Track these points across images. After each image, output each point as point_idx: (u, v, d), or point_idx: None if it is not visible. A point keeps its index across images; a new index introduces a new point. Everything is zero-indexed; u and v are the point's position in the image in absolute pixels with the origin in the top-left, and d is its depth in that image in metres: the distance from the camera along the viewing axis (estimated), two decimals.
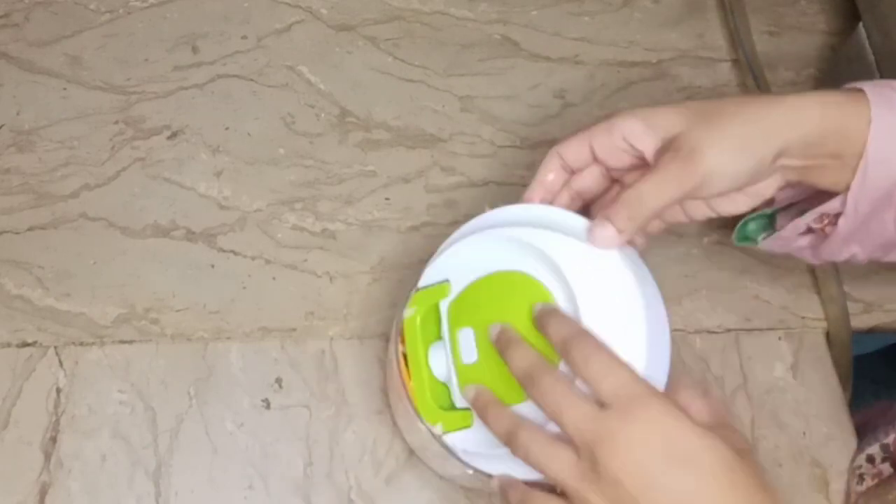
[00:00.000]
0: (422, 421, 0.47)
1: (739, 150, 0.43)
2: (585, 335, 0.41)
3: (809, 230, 0.50)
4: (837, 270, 0.63)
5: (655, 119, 0.46)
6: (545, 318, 0.43)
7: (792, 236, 0.51)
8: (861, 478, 0.57)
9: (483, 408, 0.44)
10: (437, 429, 0.46)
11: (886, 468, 0.56)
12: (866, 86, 0.46)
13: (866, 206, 0.46)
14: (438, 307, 0.48)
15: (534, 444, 0.40)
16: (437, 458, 0.49)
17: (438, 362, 0.47)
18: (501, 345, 0.43)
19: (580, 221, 0.45)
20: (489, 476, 0.45)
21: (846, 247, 0.49)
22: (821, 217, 0.48)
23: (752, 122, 0.44)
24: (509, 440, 0.41)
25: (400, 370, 0.47)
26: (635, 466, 0.37)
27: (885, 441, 0.56)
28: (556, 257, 0.43)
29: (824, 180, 0.47)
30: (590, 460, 0.38)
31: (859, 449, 0.58)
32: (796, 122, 0.44)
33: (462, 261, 0.47)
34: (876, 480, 0.56)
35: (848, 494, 0.57)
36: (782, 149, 0.44)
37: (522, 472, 0.43)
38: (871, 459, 0.57)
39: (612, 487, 0.37)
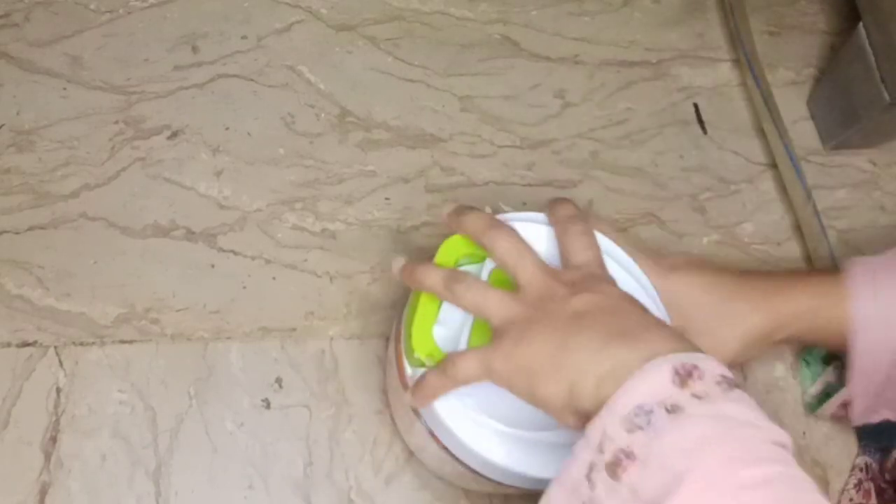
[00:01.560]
0: (411, 358, 0.46)
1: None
2: (499, 225, 0.44)
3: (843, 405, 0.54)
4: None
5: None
6: (461, 215, 0.46)
7: (830, 411, 0.57)
8: (858, 484, 0.57)
9: (411, 272, 0.45)
10: (427, 362, 0.45)
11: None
12: (852, 273, 0.50)
13: (871, 388, 0.50)
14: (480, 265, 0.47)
15: (471, 289, 0.42)
16: (435, 459, 0.49)
17: (452, 311, 0.46)
18: (412, 279, 0.45)
19: None
20: (489, 479, 0.45)
21: (874, 414, 0.52)
22: (843, 403, 0.53)
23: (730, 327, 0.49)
24: (446, 289, 0.43)
25: (400, 370, 0.47)
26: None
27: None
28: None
29: (829, 344, 0.52)
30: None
31: (862, 449, 0.59)
32: (778, 325, 0.50)
33: None
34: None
35: (844, 491, 0.57)
36: (763, 339, 0.50)
37: (530, 465, 0.43)
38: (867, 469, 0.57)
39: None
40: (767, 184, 0.70)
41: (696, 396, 0.33)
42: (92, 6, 0.70)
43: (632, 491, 0.32)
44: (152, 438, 0.55)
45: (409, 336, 0.45)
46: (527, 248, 0.43)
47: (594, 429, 0.34)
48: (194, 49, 0.69)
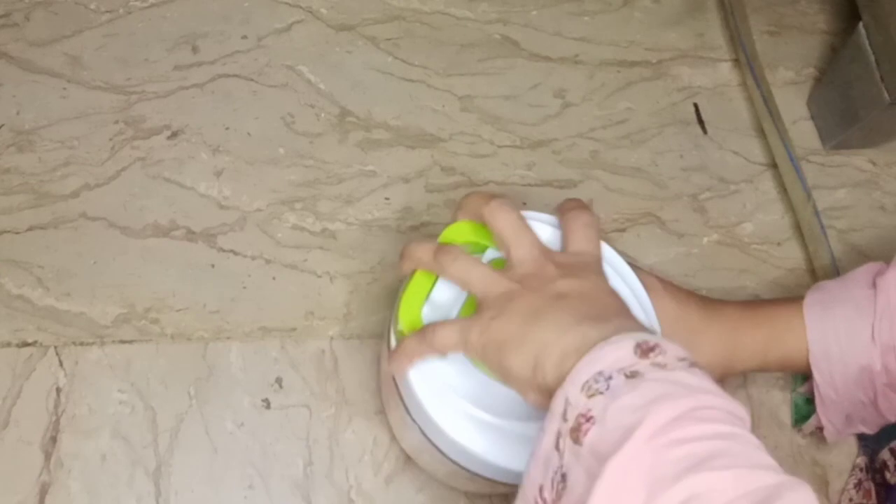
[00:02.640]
0: (396, 333, 0.46)
1: None
2: (502, 201, 0.45)
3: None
4: (837, 271, 0.63)
5: None
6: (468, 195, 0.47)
7: (809, 431, 0.59)
8: (858, 485, 0.57)
9: (405, 248, 0.45)
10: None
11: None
12: (807, 303, 0.52)
13: (839, 414, 0.52)
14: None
15: (458, 260, 0.43)
16: (428, 459, 0.49)
17: (444, 292, 0.46)
18: (405, 254, 0.45)
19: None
20: (487, 478, 0.45)
21: (850, 429, 0.54)
22: (819, 421, 0.55)
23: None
24: (434, 260, 0.44)
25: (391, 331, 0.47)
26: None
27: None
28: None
29: (795, 371, 0.55)
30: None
31: (862, 449, 0.59)
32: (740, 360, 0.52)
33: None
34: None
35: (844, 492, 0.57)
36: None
37: (521, 461, 0.43)
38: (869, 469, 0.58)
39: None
40: (767, 184, 0.70)
41: (657, 365, 0.34)
42: (92, 6, 0.70)
43: (592, 451, 0.32)
44: (152, 438, 0.55)
45: (397, 311, 0.45)
46: (525, 227, 0.44)
47: (558, 399, 0.35)
48: (194, 49, 0.69)
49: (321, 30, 0.72)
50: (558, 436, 0.34)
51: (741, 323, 0.52)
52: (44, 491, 0.53)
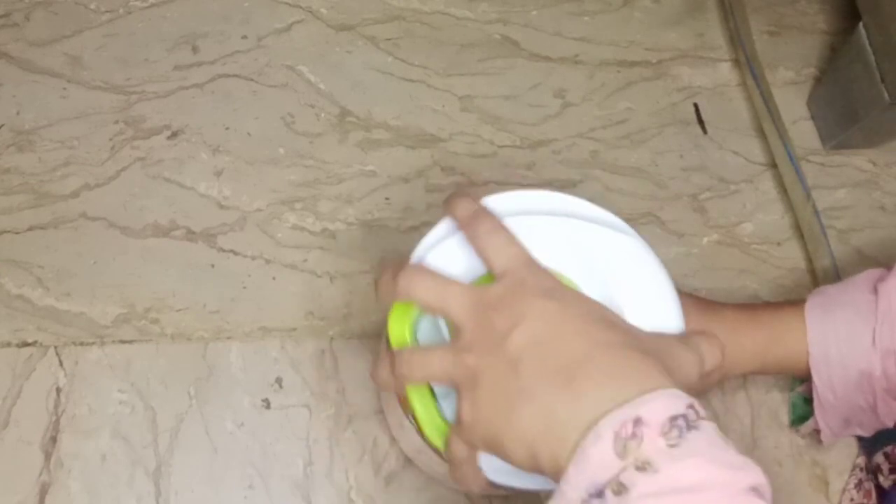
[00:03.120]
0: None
1: None
2: (491, 216, 0.43)
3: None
4: (837, 271, 0.63)
5: None
6: (455, 198, 0.44)
7: (807, 432, 0.59)
8: (859, 484, 0.57)
9: (453, 201, 0.44)
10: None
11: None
12: (808, 306, 0.51)
13: (836, 418, 0.52)
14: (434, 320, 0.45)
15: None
16: (431, 463, 0.48)
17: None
18: (448, 204, 0.44)
19: (585, 205, 0.45)
20: (497, 485, 0.45)
21: (847, 431, 0.53)
22: (816, 423, 0.54)
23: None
24: (470, 223, 0.42)
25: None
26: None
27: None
28: (579, 243, 0.43)
29: (794, 374, 0.54)
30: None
31: (862, 448, 0.58)
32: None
33: (462, 256, 0.44)
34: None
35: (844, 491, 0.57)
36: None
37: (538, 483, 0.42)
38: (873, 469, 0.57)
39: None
40: (767, 184, 0.70)
41: (640, 469, 0.31)
42: (92, 6, 0.70)
43: None
44: (152, 438, 0.55)
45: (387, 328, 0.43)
46: (444, 282, 0.40)
47: (558, 498, 0.34)
48: (194, 49, 0.69)
49: (321, 30, 0.72)
50: None
51: (741, 325, 0.51)
52: (44, 491, 0.53)
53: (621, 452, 0.32)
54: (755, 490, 0.31)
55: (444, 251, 0.44)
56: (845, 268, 0.64)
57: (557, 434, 0.34)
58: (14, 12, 0.69)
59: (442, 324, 0.43)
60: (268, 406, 0.57)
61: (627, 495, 0.31)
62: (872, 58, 0.63)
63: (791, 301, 0.53)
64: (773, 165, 0.70)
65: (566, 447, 0.34)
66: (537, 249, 0.42)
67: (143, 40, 0.69)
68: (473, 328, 0.39)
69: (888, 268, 0.51)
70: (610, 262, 0.43)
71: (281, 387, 0.57)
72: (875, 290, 0.50)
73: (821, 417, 0.52)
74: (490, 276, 0.41)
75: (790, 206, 0.68)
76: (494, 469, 0.41)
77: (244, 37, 0.70)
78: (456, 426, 0.39)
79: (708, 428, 0.33)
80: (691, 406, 0.33)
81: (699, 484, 0.31)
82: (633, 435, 0.32)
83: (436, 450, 0.44)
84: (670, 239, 0.66)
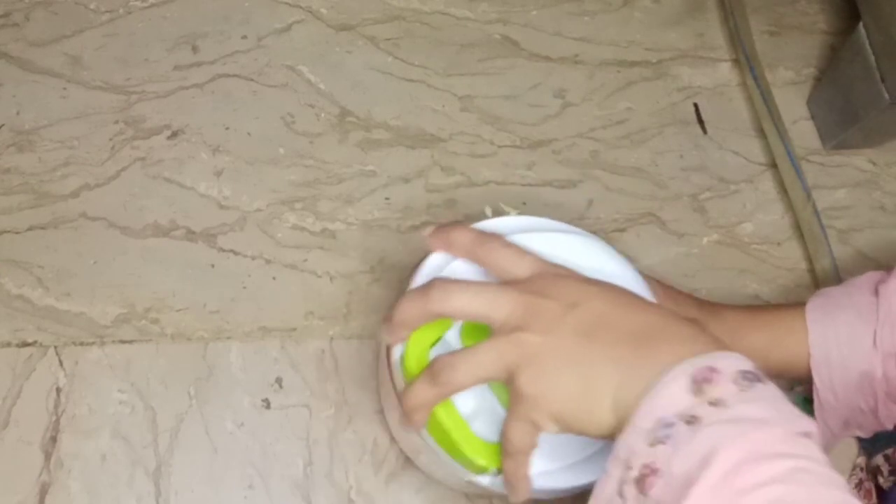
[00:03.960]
0: (475, 471, 0.43)
1: None
2: (489, 236, 0.42)
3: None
4: (837, 271, 0.63)
5: None
6: (446, 232, 0.44)
7: None
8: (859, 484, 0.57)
9: (446, 234, 0.43)
10: (493, 473, 0.43)
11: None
12: (810, 308, 0.51)
13: (836, 419, 0.51)
14: (444, 339, 0.44)
15: (508, 247, 0.41)
16: (430, 462, 0.48)
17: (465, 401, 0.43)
18: (440, 240, 0.44)
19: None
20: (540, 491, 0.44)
21: (846, 433, 0.53)
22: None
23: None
24: (478, 247, 0.42)
25: (390, 371, 0.46)
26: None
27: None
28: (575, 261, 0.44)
29: (794, 378, 0.53)
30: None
31: (862, 449, 0.58)
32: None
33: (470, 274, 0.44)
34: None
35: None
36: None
37: (551, 483, 0.42)
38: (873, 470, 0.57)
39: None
40: (767, 184, 0.70)
41: (713, 404, 0.33)
42: (92, 6, 0.70)
43: None
44: (152, 438, 0.55)
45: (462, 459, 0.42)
46: (484, 286, 0.40)
47: (621, 445, 0.34)
48: (194, 49, 0.69)
49: (321, 30, 0.72)
50: (622, 482, 0.34)
51: (741, 326, 0.51)
52: (44, 491, 0.53)
53: (695, 391, 0.34)
54: (808, 435, 0.33)
55: (453, 272, 0.44)
56: (845, 268, 0.64)
57: (635, 384, 0.35)
58: (14, 12, 0.69)
59: (457, 346, 0.43)
60: (268, 406, 0.57)
61: (698, 424, 0.33)
62: (872, 58, 0.63)
63: (792, 303, 0.53)
64: (773, 165, 0.70)
65: (636, 395, 0.35)
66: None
67: (143, 40, 0.69)
68: (524, 314, 0.38)
69: (888, 270, 0.52)
70: (579, 264, 0.44)
71: (281, 387, 0.57)
72: (876, 292, 0.50)
73: (821, 419, 0.52)
74: (475, 325, 0.41)
75: (790, 206, 0.68)
76: (540, 473, 0.41)
77: (244, 37, 0.70)
78: (514, 406, 0.38)
79: (771, 384, 0.35)
80: (757, 368, 0.35)
81: (765, 418, 0.33)
82: (708, 379, 0.34)
83: (469, 470, 0.43)
84: (670, 239, 0.66)
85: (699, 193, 0.69)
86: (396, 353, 0.44)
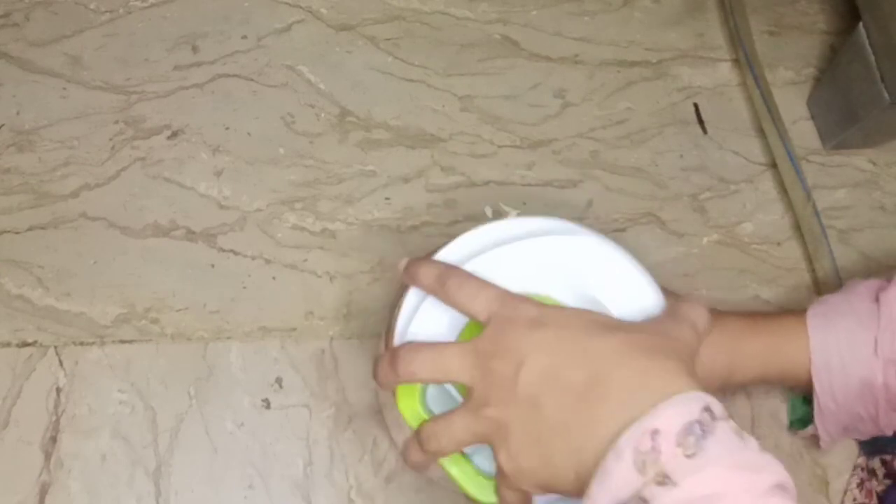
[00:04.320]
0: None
1: None
2: (454, 269, 0.42)
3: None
4: (837, 270, 0.63)
5: None
6: (413, 268, 0.43)
7: (805, 437, 0.59)
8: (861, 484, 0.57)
9: (414, 271, 0.43)
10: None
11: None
12: (810, 314, 0.51)
13: (836, 425, 0.52)
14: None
15: (464, 285, 0.41)
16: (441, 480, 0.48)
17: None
18: (409, 276, 0.44)
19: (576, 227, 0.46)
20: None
21: (846, 435, 0.53)
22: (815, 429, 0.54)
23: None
24: (439, 286, 0.42)
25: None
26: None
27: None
28: (578, 269, 0.43)
29: (794, 385, 0.53)
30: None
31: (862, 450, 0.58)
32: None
33: (441, 314, 0.44)
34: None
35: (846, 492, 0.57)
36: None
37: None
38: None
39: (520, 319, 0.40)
40: (767, 184, 0.70)
41: (661, 483, 0.32)
42: (92, 6, 0.70)
43: None
44: (152, 438, 0.55)
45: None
46: (437, 351, 0.41)
47: None
48: (194, 49, 0.69)
49: (321, 30, 0.72)
50: None
51: (742, 333, 0.51)
52: (44, 491, 0.53)
53: (641, 468, 0.33)
54: (779, 487, 0.31)
55: (424, 316, 0.44)
56: (845, 267, 0.64)
57: (587, 457, 0.35)
58: (14, 12, 0.69)
59: (450, 388, 0.44)
60: (268, 406, 0.57)
61: None
62: (872, 58, 0.63)
63: (792, 310, 0.53)
64: (773, 165, 0.70)
65: (594, 467, 0.34)
66: (507, 280, 0.42)
67: (143, 40, 0.69)
68: (481, 382, 0.39)
69: (889, 271, 0.52)
70: (579, 266, 0.44)
71: (281, 387, 0.57)
72: (877, 300, 0.50)
73: (820, 424, 0.52)
74: (475, 324, 0.42)
75: (790, 206, 0.68)
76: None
77: (244, 37, 0.70)
78: (500, 478, 0.40)
79: (725, 430, 0.33)
80: (707, 409, 0.34)
81: (719, 492, 0.31)
82: (651, 448, 0.33)
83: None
84: (670, 239, 0.66)
85: (699, 193, 0.69)
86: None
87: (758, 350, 0.51)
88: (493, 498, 0.42)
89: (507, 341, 0.39)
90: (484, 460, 0.43)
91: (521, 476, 0.38)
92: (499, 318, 0.40)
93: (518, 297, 0.41)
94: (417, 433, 0.41)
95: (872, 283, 0.52)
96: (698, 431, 0.33)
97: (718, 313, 0.53)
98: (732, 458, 0.32)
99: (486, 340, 0.40)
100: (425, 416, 0.43)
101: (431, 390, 0.44)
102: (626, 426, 0.34)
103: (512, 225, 0.46)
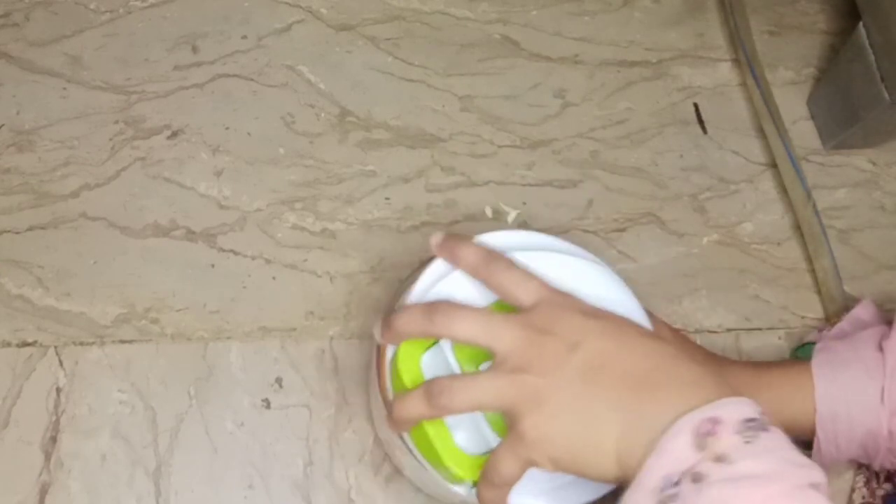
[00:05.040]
0: (452, 481, 0.43)
1: None
2: (496, 257, 0.42)
3: None
4: (837, 270, 0.63)
5: None
6: (454, 245, 0.43)
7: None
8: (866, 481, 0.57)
9: (454, 248, 0.43)
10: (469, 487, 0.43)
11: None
12: (816, 363, 0.51)
13: (834, 463, 0.52)
14: (438, 345, 0.44)
15: (512, 269, 0.41)
16: (410, 467, 0.48)
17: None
18: (446, 251, 0.43)
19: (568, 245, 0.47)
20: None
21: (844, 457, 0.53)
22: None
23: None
24: (483, 266, 0.42)
25: (381, 381, 0.45)
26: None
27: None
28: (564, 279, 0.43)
29: (796, 435, 0.52)
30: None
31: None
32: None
33: (465, 289, 0.44)
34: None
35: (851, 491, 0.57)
36: None
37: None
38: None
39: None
40: (767, 184, 0.70)
41: (717, 460, 0.33)
42: (92, 6, 0.70)
43: None
44: (152, 438, 0.55)
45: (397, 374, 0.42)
46: (488, 316, 0.40)
47: (629, 499, 0.34)
48: (194, 49, 0.69)
49: (321, 30, 0.72)
50: None
51: (746, 387, 0.51)
52: (44, 491, 0.53)
53: (699, 446, 0.33)
54: (815, 487, 0.33)
55: (451, 285, 0.44)
56: (845, 267, 0.64)
57: (639, 435, 0.35)
58: (14, 12, 0.69)
59: (451, 359, 0.43)
60: (268, 406, 0.57)
61: (704, 482, 0.32)
62: (872, 58, 0.63)
63: (796, 361, 0.53)
64: (773, 165, 0.70)
65: (646, 446, 0.35)
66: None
67: (143, 40, 0.69)
68: (525, 351, 0.38)
69: (889, 323, 0.52)
70: (582, 288, 0.43)
71: (281, 387, 0.57)
72: (880, 348, 0.50)
73: (818, 462, 0.52)
74: (502, 306, 0.41)
75: (790, 206, 0.68)
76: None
77: (244, 37, 0.70)
78: (513, 444, 0.38)
79: (777, 431, 0.35)
80: (763, 413, 0.35)
81: (770, 473, 0.33)
82: (711, 432, 0.34)
83: (447, 479, 0.43)
84: (670, 239, 0.66)
85: (699, 193, 0.69)
86: (389, 353, 0.44)
87: (762, 402, 0.51)
88: (468, 474, 0.41)
89: (562, 322, 0.39)
90: (465, 436, 0.42)
91: (543, 444, 0.37)
92: (551, 303, 0.40)
93: (564, 291, 0.41)
94: (428, 385, 0.40)
95: (875, 331, 0.52)
96: (756, 426, 0.34)
97: (721, 363, 0.53)
98: (784, 453, 0.34)
99: (539, 317, 0.39)
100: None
101: (427, 362, 0.43)
102: (685, 412, 0.34)
103: (498, 238, 0.46)
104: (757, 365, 0.53)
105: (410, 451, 0.44)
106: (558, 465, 0.38)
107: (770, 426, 0.34)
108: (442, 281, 0.44)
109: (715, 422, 0.34)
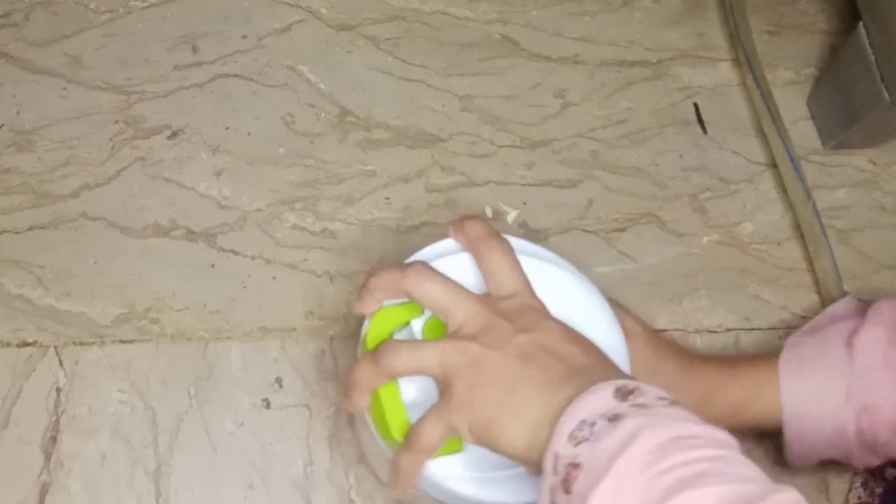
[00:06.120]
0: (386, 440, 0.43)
1: None
2: (497, 239, 0.44)
3: None
4: (837, 270, 0.63)
5: None
6: (464, 218, 0.45)
7: None
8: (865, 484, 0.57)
9: (463, 220, 0.45)
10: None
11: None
12: (783, 360, 0.51)
13: (810, 461, 0.52)
14: (409, 327, 0.44)
15: (400, 353, 0.41)
16: (370, 447, 0.48)
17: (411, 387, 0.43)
18: (457, 224, 0.45)
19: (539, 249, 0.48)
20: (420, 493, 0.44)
21: (821, 464, 0.53)
22: None
23: None
24: (481, 242, 0.44)
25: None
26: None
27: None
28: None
29: (766, 431, 0.53)
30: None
31: None
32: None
33: (460, 276, 0.45)
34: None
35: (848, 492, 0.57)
36: None
37: (500, 497, 0.42)
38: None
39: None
40: (767, 184, 0.70)
41: (637, 405, 0.34)
42: (92, 6, 0.70)
43: (581, 497, 0.32)
44: (152, 438, 0.55)
45: (384, 426, 0.43)
46: (453, 284, 0.42)
47: (548, 457, 0.35)
48: (194, 49, 0.69)
49: (321, 30, 0.72)
50: (552, 492, 0.34)
51: (718, 383, 0.52)
52: (44, 491, 0.53)
53: (620, 398, 0.34)
54: (728, 445, 0.34)
55: (449, 265, 0.45)
56: (845, 267, 0.64)
57: (559, 404, 0.36)
58: (14, 12, 0.69)
59: (419, 336, 0.44)
60: (268, 406, 0.57)
61: (621, 418, 0.33)
62: (872, 58, 0.63)
63: (765, 356, 0.53)
64: (773, 165, 0.70)
65: (565, 405, 0.36)
66: (466, 285, 0.44)
67: (143, 40, 0.69)
68: (481, 326, 0.40)
69: (861, 314, 0.52)
70: (546, 293, 0.44)
71: (281, 387, 0.57)
72: (849, 344, 0.50)
73: (792, 460, 0.53)
74: (437, 322, 0.43)
75: (790, 206, 0.68)
76: (434, 479, 0.42)
77: (244, 37, 0.70)
78: (438, 408, 0.39)
79: (687, 410, 0.36)
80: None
81: (685, 418, 0.34)
82: (633, 392, 0.35)
83: (395, 451, 0.43)
84: (670, 239, 0.66)
85: (699, 193, 0.69)
86: (363, 331, 0.45)
87: (729, 400, 0.52)
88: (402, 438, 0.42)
89: (521, 314, 0.41)
90: (417, 415, 0.42)
91: (466, 408, 0.38)
92: (523, 301, 0.42)
93: (539, 297, 0.43)
94: (377, 350, 0.41)
95: (844, 326, 0.52)
96: (675, 402, 0.35)
97: (692, 360, 0.53)
98: (699, 420, 0.34)
99: (506, 306, 0.41)
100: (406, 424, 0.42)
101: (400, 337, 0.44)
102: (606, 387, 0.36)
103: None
104: (727, 361, 0.54)
105: (369, 428, 0.45)
106: (474, 433, 0.39)
107: (684, 407, 0.35)
108: (439, 259, 0.45)
109: (637, 388, 0.35)
